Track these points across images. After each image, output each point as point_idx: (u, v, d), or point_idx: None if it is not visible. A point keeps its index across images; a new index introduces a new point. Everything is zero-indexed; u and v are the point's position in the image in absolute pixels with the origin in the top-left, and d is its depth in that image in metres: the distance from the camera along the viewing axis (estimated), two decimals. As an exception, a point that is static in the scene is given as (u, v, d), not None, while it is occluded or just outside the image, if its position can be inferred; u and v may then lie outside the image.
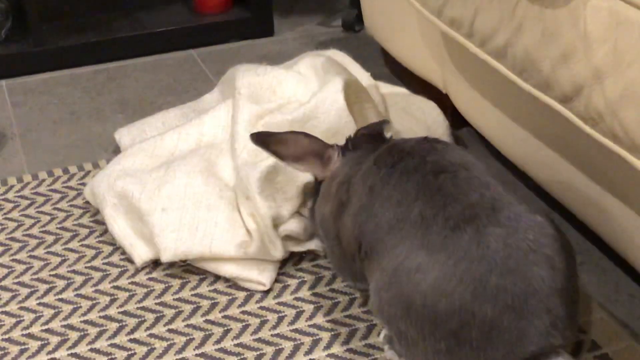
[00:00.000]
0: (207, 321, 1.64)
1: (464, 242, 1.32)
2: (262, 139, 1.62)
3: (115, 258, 1.80)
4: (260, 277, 1.69)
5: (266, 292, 1.69)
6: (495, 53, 1.57)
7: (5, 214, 1.94)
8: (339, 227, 1.54)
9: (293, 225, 1.72)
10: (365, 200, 1.47)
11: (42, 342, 1.60)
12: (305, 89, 1.93)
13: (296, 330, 1.61)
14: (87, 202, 1.94)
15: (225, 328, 1.62)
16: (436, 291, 1.32)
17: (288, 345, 1.57)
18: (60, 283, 1.74)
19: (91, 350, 1.58)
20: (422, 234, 1.36)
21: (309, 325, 1.62)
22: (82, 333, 1.62)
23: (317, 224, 1.66)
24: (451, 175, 1.40)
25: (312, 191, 1.72)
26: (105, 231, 1.86)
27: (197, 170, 1.78)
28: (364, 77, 2.03)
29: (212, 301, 1.68)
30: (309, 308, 1.66)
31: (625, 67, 1.26)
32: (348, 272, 1.60)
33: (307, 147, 1.63)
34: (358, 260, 1.50)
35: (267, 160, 1.72)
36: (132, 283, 1.74)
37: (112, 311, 1.67)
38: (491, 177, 1.42)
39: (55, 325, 1.64)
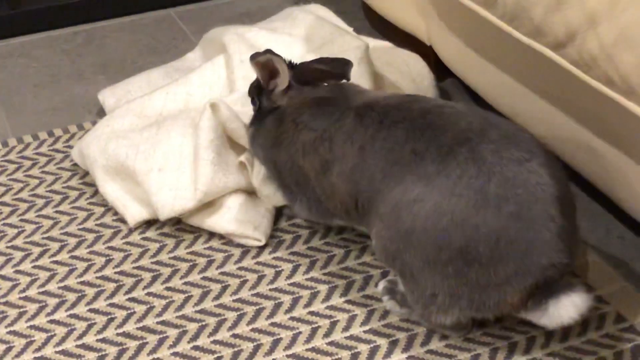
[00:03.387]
0: (204, 278, 1.64)
1: (459, 162, 1.35)
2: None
3: (107, 219, 1.80)
4: (256, 232, 1.70)
5: (262, 248, 1.70)
6: (485, 2, 1.58)
7: (-8, 178, 1.93)
8: (325, 187, 1.55)
9: None
10: (357, 159, 1.48)
11: (41, 305, 1.60)
12: (297, 50, 1.92)
13: (294, 284, 1.62)
14: (75, 165, 1.93)
15: (223, 284, 1.63)
16: (437, 212, 1.34)
17: (287, 299, 1.59)
18: (54, 245, 1.73)
19: (90, 310, 1.59)
20: (417, 168, 1.38)
21: (306, 279, 1.63)
22: (79, 294, 1.62)
23: (262, 160, 1.69)
24: (438, 112, 1.44)
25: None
26: (96, 193, 1.85)
27: (190, 132, 1.77)
28: (348, 31, 2.03)
29: (208, 258, 1.69)
30: (305, 262, 1.67)
31: (620, 12, 1.27)
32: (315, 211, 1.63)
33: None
34: (354, 214, 1.52)
35: None
36: (127, 243, 1.74)
37: (109, 271, 1.67)
38: (478, 110, 1.46)
39: (52, 287, 1.64)
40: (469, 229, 1.32)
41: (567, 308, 1.32)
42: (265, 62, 1.61)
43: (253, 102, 1.70)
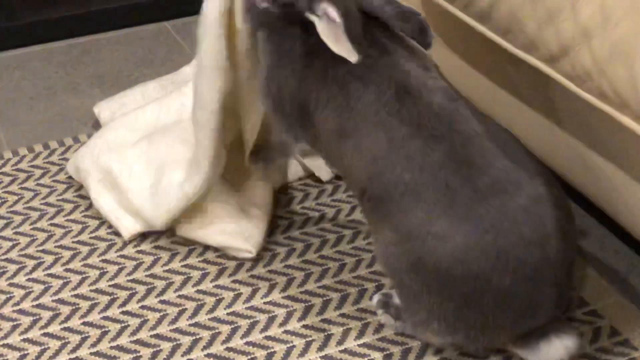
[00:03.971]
0: (198, 291, 1.64)
1: (491, 215, 1.32)
2: None
3: (102, 232, 1.79)
4: (246, 244, 1.69)
5: (256, 261, 1.70)
6: (479, 15, 1.58)
7: (-13, 191, 1.92)
8: (333, 149, 1.47)
9: None
10: (384, 152, 1.39)
11: (34, 318, 1.60)
12: None
13: (288, 297, 1.62)
14: (70, 177, 1.93)
15: (217, 297, 1.62)
16: (454, 257, 1.33)
17: (281, 312, 1.58)
18: (49, 258, 1.73)
19: (84, 324, 1.58)
20: (447, 203, 1.34)
21: (301, 292, 1.63)
22: (73, 307, 1.62)
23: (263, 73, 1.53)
24: (479, 146, 1.36)
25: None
26: (90, 205, 1.85)
27: (178, 142, 1.77)
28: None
29: (203, 271, 1.68)
30: (299, 275, 1.67)
31: (613, 26, 1.27)
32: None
33: None
34: (357, 198, 1.49)
35: None
36: (121, 256, 1.73)
37: (103, 284, 1.66)
38: (511, 140, 1.41)
39: (46, 300, 1.63)
40: (481, 282, 1.32)
41: (558, 350, 1.36)
42: None
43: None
